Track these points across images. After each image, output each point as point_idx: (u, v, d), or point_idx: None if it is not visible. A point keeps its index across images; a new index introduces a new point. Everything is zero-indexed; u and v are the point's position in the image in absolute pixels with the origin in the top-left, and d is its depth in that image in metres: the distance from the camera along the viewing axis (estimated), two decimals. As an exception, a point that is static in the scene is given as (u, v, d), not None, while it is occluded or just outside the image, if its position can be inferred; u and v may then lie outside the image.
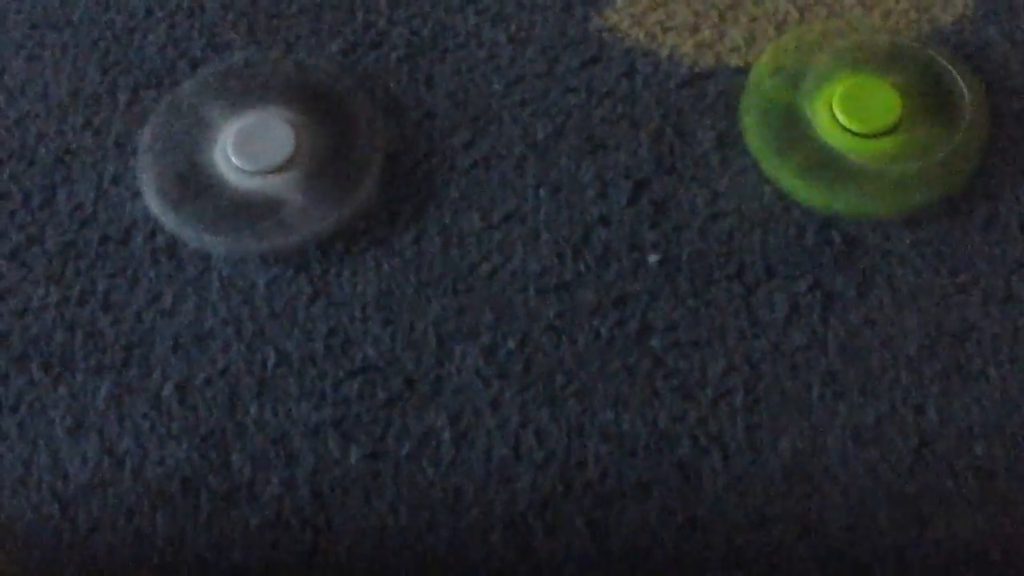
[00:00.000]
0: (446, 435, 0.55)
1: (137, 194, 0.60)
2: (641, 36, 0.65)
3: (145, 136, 0.61)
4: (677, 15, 0.66)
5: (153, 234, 0.59)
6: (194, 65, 0.64)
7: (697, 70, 0.64)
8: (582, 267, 0.57)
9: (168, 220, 0.59)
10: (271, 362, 0.56)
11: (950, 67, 0.60)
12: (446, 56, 0.65)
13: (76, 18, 0.67)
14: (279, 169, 0.59)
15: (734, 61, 0.64)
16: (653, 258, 0.58)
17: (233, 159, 0.59)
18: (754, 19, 0.65)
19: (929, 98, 0.60)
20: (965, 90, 0.60)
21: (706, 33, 0.65)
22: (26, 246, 0.59)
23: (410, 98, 0.63)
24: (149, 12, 0.67)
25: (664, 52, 0.64)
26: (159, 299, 0.58)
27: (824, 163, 0.58)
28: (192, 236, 0.58)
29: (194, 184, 0.59)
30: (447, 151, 0.61)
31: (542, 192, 0.60)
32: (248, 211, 0.59)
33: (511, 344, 0.56)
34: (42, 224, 0.60)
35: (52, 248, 0.59)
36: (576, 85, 0.63)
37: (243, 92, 0.62)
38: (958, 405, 0.54)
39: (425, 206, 0.60)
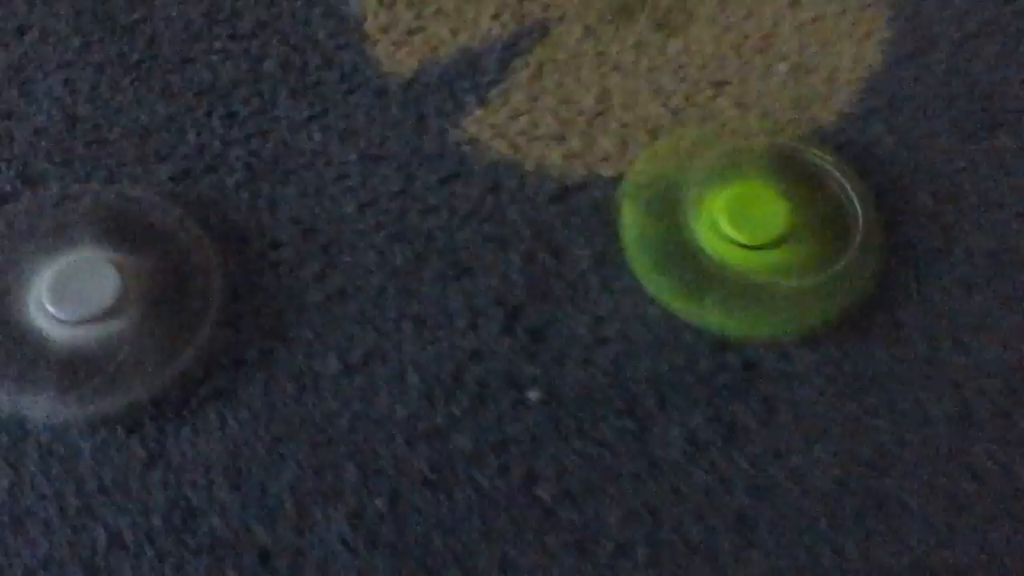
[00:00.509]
0: (310, 618, 0.48)
1: None
2: (504, 147, 0.60)
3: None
4: (541, 123, 0.61)
5: None
6: (2, 200, 0.57)
7: (567, 182, 0.59)
8: (455, 409, 0.52)
9: None
10: (101, 543, 0.49)
11: (835, 169, 0.57)
12: (290, 178, 0.59)
13: None
14: (103, 317, 0.53)
15: (606, 171, 0.59)
16: (534, 395, 0.52)
17: (49, 307, 0.52)
18: (624, 124, 0.61)
19: (819, 204, 0.56)
20: (853, 194, 0.56)
21: (574, 142, 0.60)
22: None
23: (252, 226, 0.57)
24: (-52, 141, 0.59)
25: (530, 164, 0.59)
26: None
27: (711, 280, 0.54)
28: (4, 399, 0.51)
29: (3, 338, 0.52)
30: (296, 285, 0.55)
31: (405, 326, 0.54)
32: (70, 367, 0.51)
33: (379, 504, 0.50)
34: None
35: None
36: (436, 204, 0.58)
37: (58, 231, 0.55)
38: (880, 542, 0.49)
39: (274, 349, 0.54)
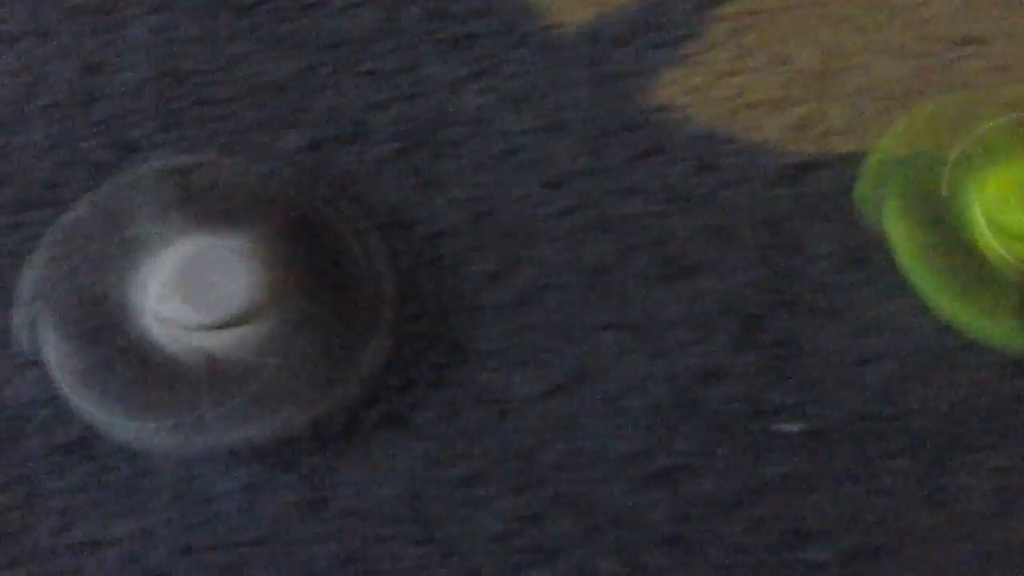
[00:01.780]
0: None
1: (31, 364, 0.42)
2: (708, 116, 0.50)
3: (30, 279, 0.43)
4: (752, 87, 0.51)
5: (51, 425, 0.41)
6: (97, 172, 0.47)
7: (794, 160, 0.49)
8: (688, 445, 0.42)
9: (81, 403, 0.41)
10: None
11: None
12: (449, 150, 0.49)
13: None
14: (238, 321, 0.42)
15: (841, 146, 0.50)
16: (791, 427, 0.43)
17: (167, 309, 0.42)
18: (857, 90, 0.51)
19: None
20: None
21: (797, 110, 0.51)
22: None
23: (408, 210, 0.47)
24: (19, 101, 0.49)
25: (744, 137, 0.50)
26: (74, 524, 0.40)
27: (1001, 283, 0.44)
28: (120, 425, 0.41)
29: (116, 349, 0.42)
30: (469, 283, 0.46)
31: (610, 338, 0.45)
32: (203, 386, 0.41)
33: (608, 566, 0.40)
34: None
35: None
36: (634, 184, 0.48)
37: (168, 212, 0.45)
38: None
39: (449, 364, 0.44)
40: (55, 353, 0.43)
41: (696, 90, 0.52)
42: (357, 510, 0.42)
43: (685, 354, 0.45)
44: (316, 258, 0.46)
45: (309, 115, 0.50)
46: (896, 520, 0.42)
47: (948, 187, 0.48)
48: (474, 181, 0.49)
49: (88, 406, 0.42)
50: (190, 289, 0.43)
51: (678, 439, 0.44)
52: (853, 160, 0.50)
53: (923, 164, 0.49)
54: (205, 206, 0.46)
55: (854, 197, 0.49)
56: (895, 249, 0.47)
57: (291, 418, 0.42)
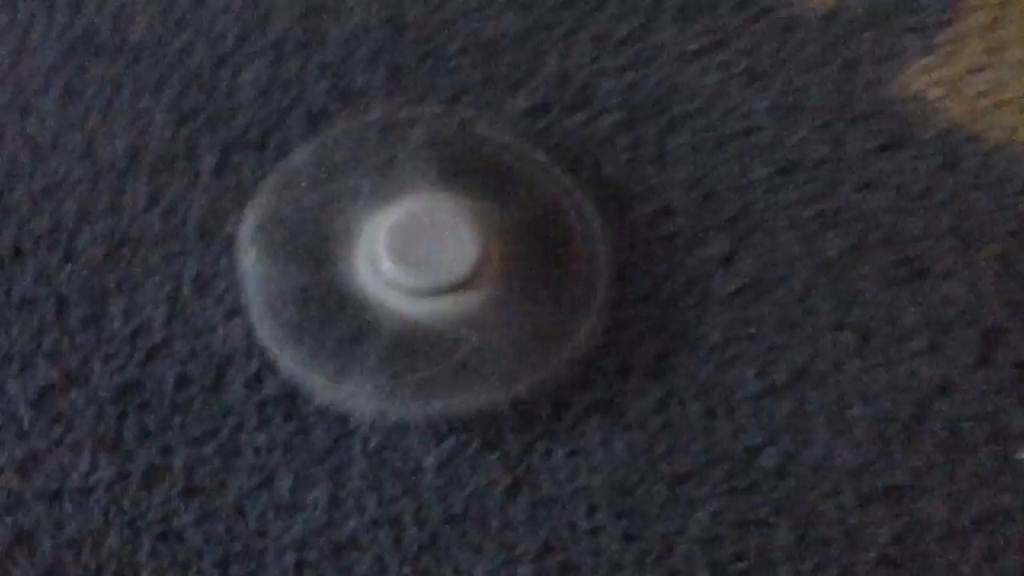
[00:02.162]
0: None
1: (235, 313, 0.41)
2: (959, 111, 0.47)
3: (246, 225, 0.42)
4: (1008, 85, 0.47)
5: (259, 378, 0.40)
6: (315, 119, 0.45)
7: (1050, 166, 0.46)
8: (920, 461, 0.40)
9: (284, 358, 0.39)
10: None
11: None
12: (681, 125, 0.46)
13: (135, 40, 0.48)
14: (456, 287, 0.40)
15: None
16: (1030, 455, 0.40)
17: (388, 270, 0.40)
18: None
19: None
20: None
21: (1057, 114, 0.47)
22: (62, 387, 0.40)
23: (635, 185, 0.45)
24: (243, 38, 0.47)
25: (994, 137, 0.46)
26: (269, 484, 0.39)
27: None
28: (321, 385, 0.39)
29: (323, 305, 0.40)
30: (697, 268, 0.43)
31: (844, 338, 0.42)
32: (409, 351, 0.40)
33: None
34: (86, 354, 0.40)
35: (101, 393, 0.40)
36: (875, 178, 0.45)
37: (389, 167, 0.43)
38: None
39: (671, 353, 0.41)
40: (261, 304, 0.41)
41: (944, 82, 0.49)
42: (558, 498, 0.40)
43: (918, 364, 0.42)
44: (534, 228, 0.43)
45: (535, 77, 0.48)
46: None
47: None
48: (702, 160, 0.46)
49: (291, 362, 0.41)
50: (409, 250, 0.42)
51: (906, 455, 0.41)
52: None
53: None
54: (428, 162, 0.44)
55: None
56: None
57: (495, 394, 0.40)
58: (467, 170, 0.44)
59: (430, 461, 0.40)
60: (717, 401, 0.42)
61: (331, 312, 0.41)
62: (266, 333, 0.41)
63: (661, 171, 0.46)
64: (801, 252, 0.45)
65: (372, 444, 0.40)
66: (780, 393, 0.42)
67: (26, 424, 0.40)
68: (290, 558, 0.38)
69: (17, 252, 0.43)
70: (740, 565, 0.39)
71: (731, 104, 0.48)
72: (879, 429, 0.41)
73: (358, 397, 0.41)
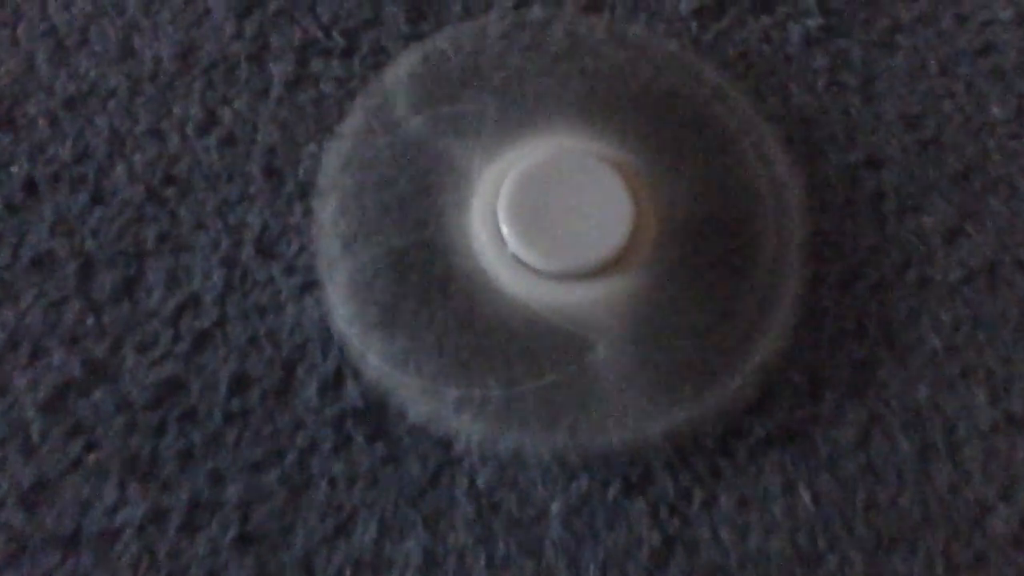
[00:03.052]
0: None
1: (310, 288, 0.31)
2: None
3: (328, 163, 0.31)
4: None
5: (338, 382, 0.30)
6: (414, 18, 0.34)
7: None
8: None
9: (371, 354, 0.29)
10: None
11: None
12: (895, 40, 0.34)
13: None
14: (596, 272, 0.30)
15: None
16: None
17: (507, 238, 0.29)
18: None
19: None
20: None
21: None
22: (82, 386, 0.30)
23: (833, 123, 0.33)
24: None
25: None
26: (347, 532, 0.29)
27: None
28: (418, 394, 0.29)
29: (425, 281, 0.30)
30: (912, 246, 0.31)
31: None
32: (535, 353, 0.29)
33: None
34: (115, 338, 0.30)
35: (133, 395, 0.30)
36: None
37: (523, 88, 0.32)
38: None
39: (877, 364, 0.30)
40: (344, 276, 0.31)
41: None
42: (724, 567, 0.29)
43: None
44: (707, 192, 0.32)
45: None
46: None
47: None
48: (922, 90, 0.34)
49: (380, 360, 0.30)
50: (537, 214, 0.31)
51: None
52: None
53: None
54: (567, 83, 0.33)
55: None
56: None
57: (643, 420, 0.30)
58: (620, 103, 0.33)
59: (556, 508, 0.30)
60: (936, 435, 0.31)
61: (435, 291, 0.31)
62: (348, 318, 0.31)
63: (867, 104, 0.34)
64: (1053, 229, 0.33)
65: (481, 480, 0.30)
66: (1016, 427, 0.31)
67: (35, 437, 0.30)
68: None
69: (30, 190, 0.32)
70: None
71: (963, 11, 0.35)
72: None
73: (465, 412, 0.30)
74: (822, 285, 0.33)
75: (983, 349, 0.33)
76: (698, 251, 0.32)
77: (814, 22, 0.36)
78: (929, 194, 0.34)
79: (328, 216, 0.32)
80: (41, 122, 0.34)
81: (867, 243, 0.33)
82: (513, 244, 0.31)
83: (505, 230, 0.31)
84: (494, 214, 0.32)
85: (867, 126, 0.34)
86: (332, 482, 0.30)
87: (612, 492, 0.31)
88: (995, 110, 0.35)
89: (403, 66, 0.34)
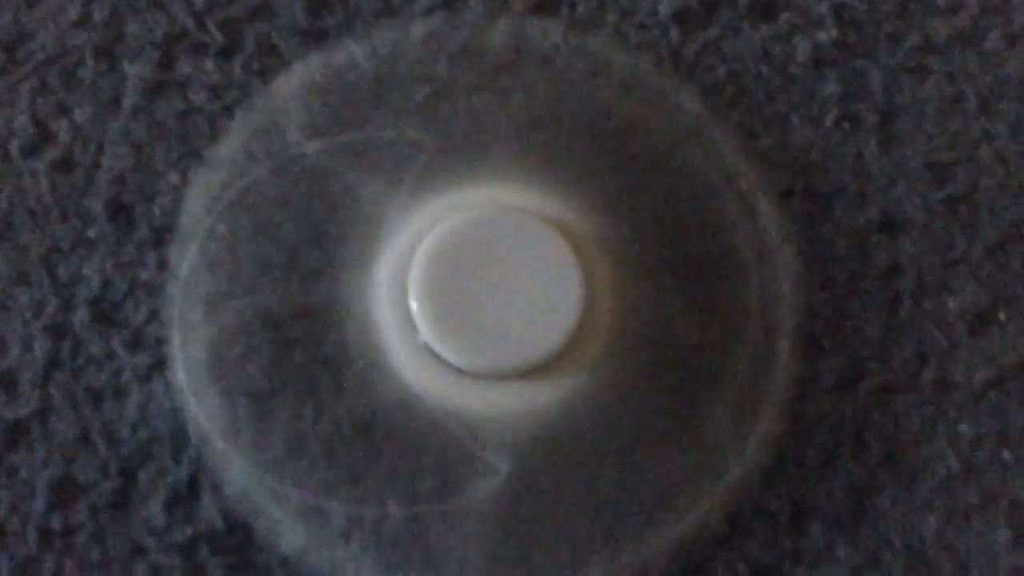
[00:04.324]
0: None
1: (160, 368, 0.23)
2: None
3: (195, 196, 0.24)
4: None
5: (192, 495, 0.23)
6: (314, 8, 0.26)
7: None
8: None
9: (238, 460, 0.22)
10: None
11: None
12: (926, 59, 0.27)
13: None
14: (531, 372, 0.22)
15: None
16: None
17: (420, 324, 0.22)
18: None
19: None
20: None
21: None
22: None
23: (839, 171, 0.26)
24: None
25: None
26: None
27: None
28: (298, 514, 0.23)
29: (311, 367, 0.23)
30: (941, 332, 0.25)
31: None
32: (448, 468, 0.23)
33: None
34: None
35: None
36: None
37: (447, 120, 0.24)
38: None
39: (881, 496, 0.24)
40: (203, 350, 0.23)
41: None
42: None
43: None
44: (678, 264, 0.25)
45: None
46: None
47: None
48: (963, 131, 0.27)
49: (247, 469, 0.23)
50: (464, 296, 0.23)
51: None
52: None
53: None
54: (505, 120, 0.25)
55: None
56: None
57: (579, 558, 0.23)
58: (567, 132, 0.25)
59: None
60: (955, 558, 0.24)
61: (325, 376, 0.24)
62: (209, 409, 0.24)
63: (886, 146, 0.27)
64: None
65: None
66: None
67: None
68: None
69: None
70: None
71: (1016, 27, 0.28)
72: None
73: (354, 537, 0.23)
74: (815, 388, 0.26)
75: (1010, 473, 0.26)
76: (660, 346, 0.25)
77: (827, 36, 0.28)
78: (955, 269, 0.26)
79: (188, 270, 0.24)
80: None
81: (875, 333, 0.26)
82: (424, 329, 0.24)
83: (415, 308, 0.24)
84: (404, 285, 0.24)
85: (884, 177, 0.27)
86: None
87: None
88: (1033, 162, 0.27)
89: (299, 74, 0.26)
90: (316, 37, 0.27)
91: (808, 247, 0.27)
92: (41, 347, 0.25)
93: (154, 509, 0.24)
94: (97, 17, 0.27)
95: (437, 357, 0.24)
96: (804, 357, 0.26)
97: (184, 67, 0.27)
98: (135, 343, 0.25)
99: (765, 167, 0.27)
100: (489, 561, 0.24)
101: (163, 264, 0.25)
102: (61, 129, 0.26)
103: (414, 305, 0.24)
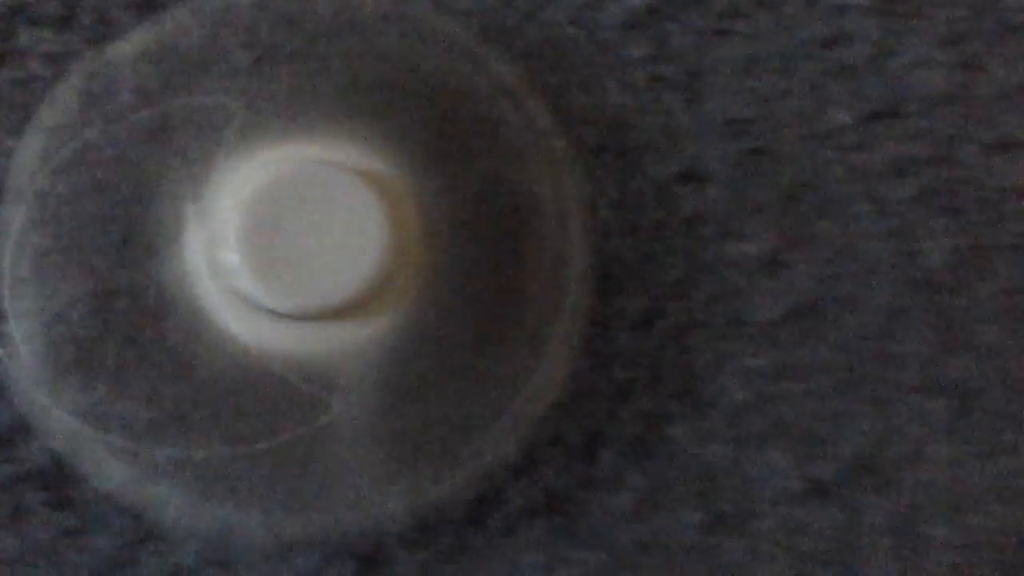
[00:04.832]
0: None
1: None
2: None
3: (22, 165, 0.26)
4: None
5: (19, 438, 0.24)
6: None
7: None
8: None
9: (64, 407, 0.24)
10: None
11: None
12: (737, 44, 0.29)
13: None
14: (337, 313, 0.24)
15: None
16: None
17: (237, 272, 0.24)
18: None
19: None
20: None
21: None
22: None
23: (657, 136, 0.28)
24: None
25: None
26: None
27: None
28: (120, 455, 0.24)
29: (135, 319, 0.25)
30: (726, 278, 0.27)
31: (936, 407, 0.26)
32: (267, 410, 0.24)
33: None
34: None
35: None
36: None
37: (269, 85, 0.26)
38: None
39: (672, 426, 0.26)
40: (36, 317, 0.25)
41: None
42: None
43: None
44: (484, 213, 0.27)
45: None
46: None
47: None
48: (762, 89, 0.29)
49: (73, 410, 0.25)
50: (273, 248, 0.25)
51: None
52: None
53: None
54: (325, 85, 0.27)
55: None
56: None
57: (384, 488, 0.25)
58: (385, 95, 0.27)
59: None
60: (728, 504, 0.26)
61: (148, 327, 0.25)
62: (35, 359, 0.26)
63: (690, 104, 0.29)
64: (897, 263, 0.28)
65: (188, 559, 0.25)
66: (826, 496, 0.26)
67: None
68: None
69: None
70: None
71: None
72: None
73: (172, 477, 0.25)
74: (616, 326, 0.27)
75: (794, 403, 0.28)
76: (465, 287, 0.27)
77: (639, 1, 0.30)
78: (751, 217, 0.28)
79: (17, 229, 0.26)
80: None
81: (675, 275, 0.28)
82: (241, 276, 0.26)
83: (232, 257, 0.26)
84: (224, 235, 0.26)
85: (689, 133, 0.29)
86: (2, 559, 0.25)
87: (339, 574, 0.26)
88: (838, 115, 0.29)
89: (132, 41, 0.28)
90: (150, 6, 0.29)
91: (618, 198, 0.29)
92: None
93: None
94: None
95: (254, 302, 0.26)
96: (607, 299, 0.28)
97: (24, 37, 0.28)
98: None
99: (578, 126, 0.29)
100: (303, 495, 0.26)
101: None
102: None
103: (231, 254, 0.26)
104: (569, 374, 0.27)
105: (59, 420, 0.26)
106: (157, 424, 0.26)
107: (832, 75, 0.30)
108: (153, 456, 0.26)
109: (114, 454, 0.26)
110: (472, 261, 0.27)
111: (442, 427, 0.26)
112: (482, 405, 0.26)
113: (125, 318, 0.26)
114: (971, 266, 0.29)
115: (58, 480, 0.26)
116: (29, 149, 0.27)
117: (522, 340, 0.27)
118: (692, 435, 0.27)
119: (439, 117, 0.28)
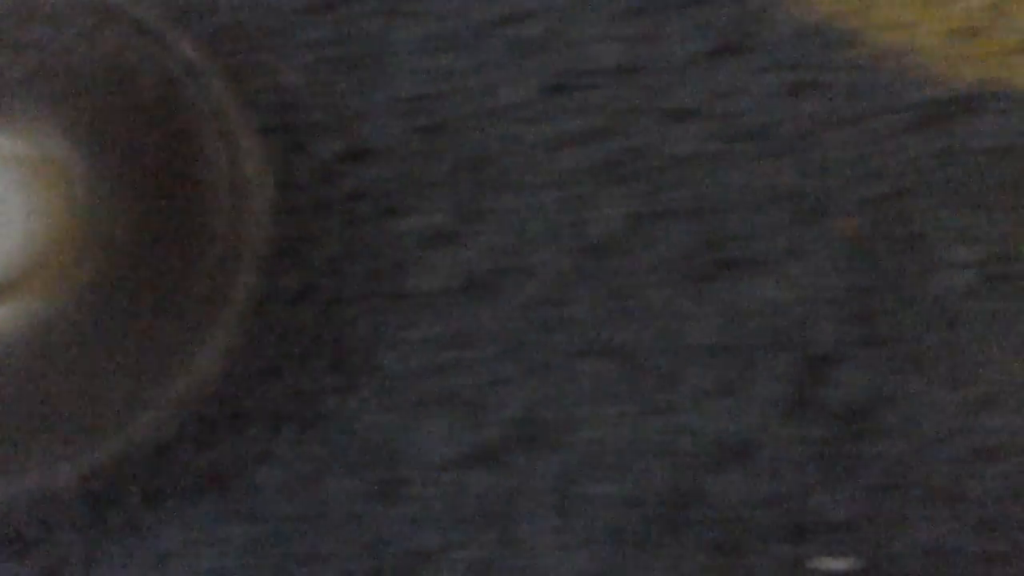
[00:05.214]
0: None
1: None
2: None
3: None
4: None
5: None
6: None
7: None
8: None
9: None
10: None
11: None
12: (417, 25, 0.30)
13: None
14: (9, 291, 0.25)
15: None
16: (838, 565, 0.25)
17: None
18: None
19: None
20: None
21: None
22: None
23: (330, 109, 0.28)
24: None
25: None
26: None
27: None
28: None
29: None
30: (393, 248, 0.27)
31: (604, 368, 0.26)
32: None
33: None
34: None
35: None
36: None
37: None
38: None
39: (329, 391, 0.26)
40: None
41: None
42: None
43: (702, 415, 0.27)
44: (151, 192, 0.27)
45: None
46: None
47: None
48: (435, 68, 0.29)
49: None
50: None
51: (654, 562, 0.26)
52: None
53: None
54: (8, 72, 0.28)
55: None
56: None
57: (29, 468, 0.25)
58: (64, 79, 0.28)
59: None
60: (384, 473, 0.26)
61: None
62: None
63: (362, 85, 0.29)
64: (565, 226, 0.28)
65: None
66: (486, 464, 0.27)
67: None
68: None
69: None
70: None
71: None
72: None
73: None
74: (271, 304, 0.28)
75: (459, 372, 0.28)
76: (127, 266, 0.27)
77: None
78: (421, 192, 0.29)
79: None
80: None
81: (330, 252, 0.28)
82: None
83: None
84: None
85: (360, 112, 0.29)
86: None
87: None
88: (517, 91, 0.30)
89: None
90: None
91: (284, 177, 0.29)
92: None
93: None
94: None
95: None
96: (262, 278, 0.28)
97: None
98: None
99: (251, 107, 0.29)
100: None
101: None
102: None
103: None
104: (223, 352, 0.27)
105: None
106: None
107: (512, 51, 0.30)
108: None
109: None
110: (137, 238, 0.27)
111: (88, 403, 0.26)
112: (138, 384, 0.27)
113: None
114: (641, 233, 0.29)
115: None
116: None
117: (184, 316, 0.27)
118: (348, 407, 0.28)
119: (118, 100, 0.28)
